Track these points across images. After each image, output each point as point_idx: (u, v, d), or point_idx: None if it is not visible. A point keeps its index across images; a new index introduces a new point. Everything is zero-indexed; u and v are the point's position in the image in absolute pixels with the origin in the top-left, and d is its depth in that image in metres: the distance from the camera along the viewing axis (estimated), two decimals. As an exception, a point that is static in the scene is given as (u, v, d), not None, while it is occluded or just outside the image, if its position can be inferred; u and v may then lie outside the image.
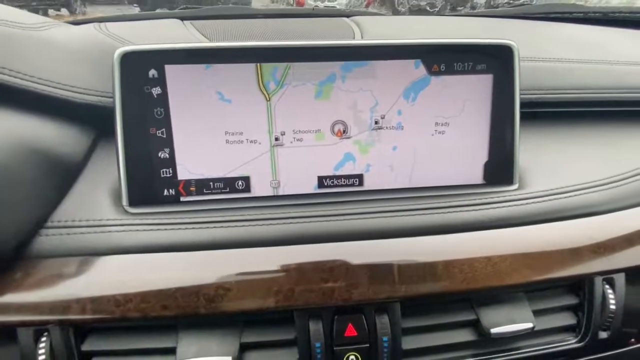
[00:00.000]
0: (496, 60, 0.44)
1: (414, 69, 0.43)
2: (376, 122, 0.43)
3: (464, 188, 0.45)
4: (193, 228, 0.40)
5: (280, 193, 0.43)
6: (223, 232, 0.40)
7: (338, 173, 0.44)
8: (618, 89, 0.54)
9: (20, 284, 0.37)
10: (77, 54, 0.46)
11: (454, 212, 0.43)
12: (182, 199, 0.42)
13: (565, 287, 0.47)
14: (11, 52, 0.40)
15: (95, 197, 0.42)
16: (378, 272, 0.40)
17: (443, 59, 0.43)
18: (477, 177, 0.46)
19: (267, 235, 0.41)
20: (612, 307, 0.45)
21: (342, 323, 0.41)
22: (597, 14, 0.88)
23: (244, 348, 0.40)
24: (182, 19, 0.67)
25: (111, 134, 0.40)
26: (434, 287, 0.41)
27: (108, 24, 0.57)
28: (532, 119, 0.53)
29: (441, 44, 0.43)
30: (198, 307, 0.38)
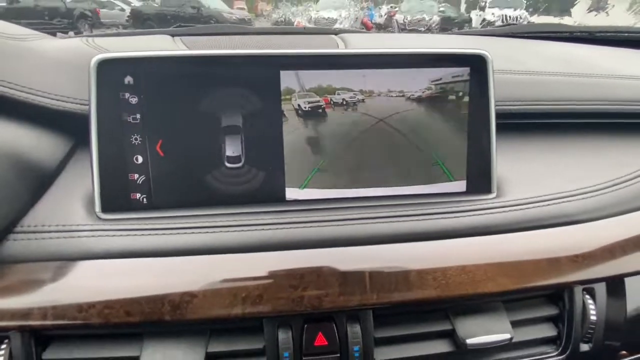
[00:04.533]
0: (471, 70, 0.44)
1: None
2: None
3: (441, 196, 0.45)
4: (163, 234, 0.40)
5: None
6: (193, 238, 0.40)
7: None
8: (597, 101, 0.54)
9: None
10: (59, 64, 0.47)
11: (429, 219, 0.43)
12: (154, 205, 0.42)
13: (545, 298, 0.46)
14: None
15: (68, 203, 0.41)
16: (349, 279, 0.39)
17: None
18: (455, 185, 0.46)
19: (236, 241, 0.40)
20: (593, 317, 0.44)
21: (312, 332, 0.40)
22: (582, 34, 0.89)
23: (211, 358, 0.39)
24: (173, 35, 0.68)
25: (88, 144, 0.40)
26: (406, 295, 0.40)
27: (96, 38, 0.58)
28: (512, 130, 0.53)
29: (418, 53, 0.44)
30: (163, 314, 0.37)
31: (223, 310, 0.38)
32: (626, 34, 0.86)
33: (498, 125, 0.45)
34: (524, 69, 0.56)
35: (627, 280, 0.45)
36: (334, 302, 0.39)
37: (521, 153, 0.52)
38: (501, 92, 0.49)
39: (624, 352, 0.47)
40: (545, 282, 0.42)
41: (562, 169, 0.50)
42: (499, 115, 0.46)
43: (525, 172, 0.49)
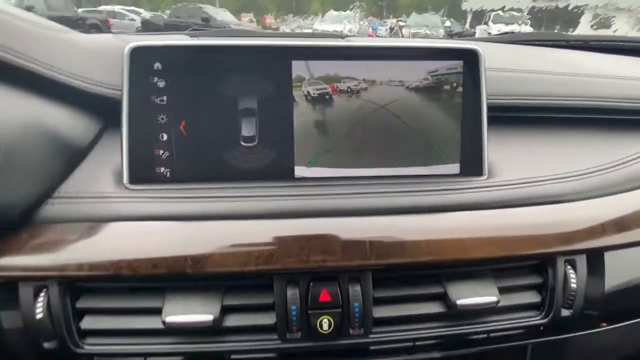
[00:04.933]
0: (465, 63, 0.49)
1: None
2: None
3: (436, 177, 0.49)
4: (185, 202, 0.44)
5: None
6: (211, 205, 0.44)
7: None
8: (582, 97, 0.58)
9: (25, 245, 0.41)
10: (91, 54, 0.52)
11: (424, 195, 0.47)
12: (176, 178, 0.46)
13: (530, 267, 0.50)
14: (39, 47, 0.46)
15: (99, 176, 0.46)
16: (351, 244, 0.44)
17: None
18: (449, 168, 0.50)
19: (250, 210, 0.45)
20: (573, 285, 0.48)
21: (317, 289, 0.44)
22: (578, 42, 0.94)
23: (226, 310, 0.44)
24: (191, 36, 0.74)
25: (117, 124, 0.45)
26: (402, 259, 0.44)
27: (121, 35, 0.64)
28: (504, 123, 0.58)
29: (416, 47, 0.49)
30: (185, 267, 0.41)
31: (238, 266, 0.42)
32: (617, 43, 0.91)
33: (491, 118, 0.50)
34: (516, 68, 0.61)
35: (606, 256, 0.49)
36: (337, 262, 0.43)
37: (512, 143, 0.56)
38: (495, 87, 0.54)
39: (603, 323, 0.50)
40: (530, 252, 0.46)
41: (549, 157, 0.54)
42: (492, 108, 0.50)
43: (515, 159, 0.53)
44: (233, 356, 0.45)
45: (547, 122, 0.60)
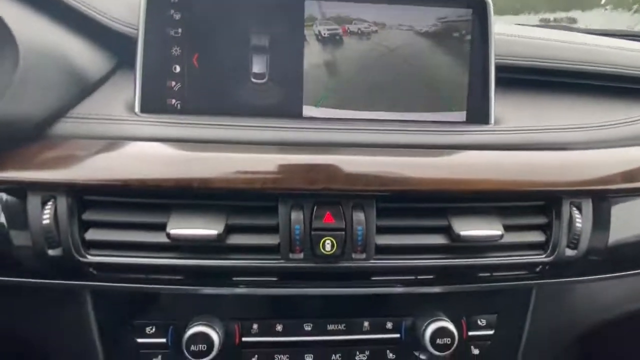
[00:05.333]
0: (474, 12, 0.49)
1: None
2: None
3: (443, 124, 0.50)
4: (195, 127, 0.45)
5: None
6: (219, 131, 0.45)
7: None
8: (596, 63, 0.58)
9: (37, 156, 0.42)
10: None
11: (430, 134, 0.47)
12: (186, 111, 0.47)
13: (536, 208, 0.50)
14: None
15: (111, 105, 0.47)
16: (355, 172, 0.44)
17: None
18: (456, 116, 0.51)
19: (259, 138, 0.45)
20: (578, 225, 0.48)
21: (321, 211, 0.44)
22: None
23: (230, 229, 0.44)
24: None
25: (132, 63, 0.46)
26: (405, 187, 0.44)
27: None
28: (514, 85, 0.58)
29: None
30: (192, 181, 0.42)
31: (245, 184, 0.42)
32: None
33: (500, 79, 0.50)
34: (531, 36, 0.62)
35: (612, 206, 0.49)
36: (342, 184, 0.43)
37: (520, 101, 0.56)
38: (505, 49, 0.54)
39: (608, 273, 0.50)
40: (535, 188, 0.46)
41: (558, 112, 0.54)
42: (501, 68, 0.51)
43: (523, 111, 0.53)
44: (235, 277, 0.46)
45: (557, 86, 0.60)
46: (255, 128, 0.46)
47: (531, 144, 0.49)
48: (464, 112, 0.51)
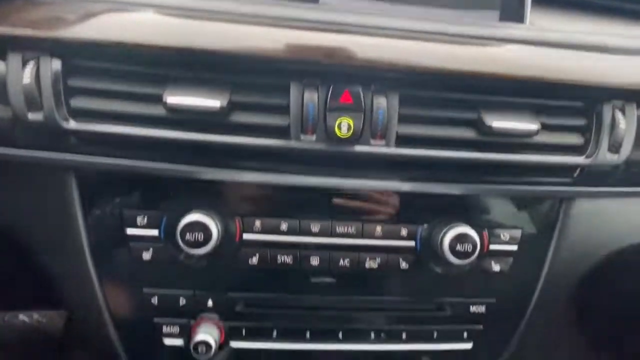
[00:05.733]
0: None
1: None
2: None
3: (474, 22, 0.46)
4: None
5: None
6: (232, 5, 0.41)
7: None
8: None
9: (20, 9, 0.38)
10: None
11: (464, 25, 0.44)
12: None
13: (574, 109, 0.46)
14: None
15: None
16: (379, 50, 0.40)
17: None
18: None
19: (274, 13, 0.41)
20: (622, 127, 0.44)
21: (338, 90, 0.40)
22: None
23: (235, 105, 0.40)
24: None
25: None
26: (434, 72, 0.40)
27: None
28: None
29: None
30: (195, 41, 0.37)
31: (255, 49, 0.38)
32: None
33: None
34: None
35: None
36: (362, 61, 0.39)
37: (559, 12, 0.53)
38: None
39: None
40: (577, 83, 0.42)
41: (599, 24, 0.51)
42: None
43: (563, 16, 0.50)
44: (238, 160, 0.41)
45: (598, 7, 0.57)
46: (269, 4, 0.42)
47: (571, 43, 0.45)
48: (497, 12, 0.47)
